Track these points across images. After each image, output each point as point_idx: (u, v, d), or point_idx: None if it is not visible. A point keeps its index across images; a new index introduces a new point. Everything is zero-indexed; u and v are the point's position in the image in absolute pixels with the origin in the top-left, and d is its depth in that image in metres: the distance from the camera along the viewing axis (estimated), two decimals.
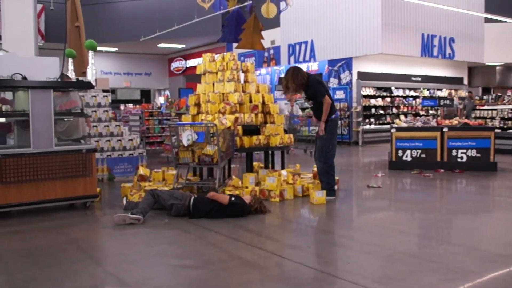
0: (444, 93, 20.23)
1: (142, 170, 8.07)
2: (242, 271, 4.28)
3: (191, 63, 28.22)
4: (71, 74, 9.77)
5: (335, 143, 7.48)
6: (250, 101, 8.62)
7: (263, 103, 8.78)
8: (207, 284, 3.95)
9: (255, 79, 9.13)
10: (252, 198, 6.40)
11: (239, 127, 8.17)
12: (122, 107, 20.51)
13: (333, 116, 7.36)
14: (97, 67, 10.41)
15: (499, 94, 17.28)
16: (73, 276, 4.16)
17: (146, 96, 30.43)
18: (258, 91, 8.90)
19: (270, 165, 8.89)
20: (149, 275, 4.23)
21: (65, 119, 7.42)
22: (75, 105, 7.65)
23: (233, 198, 6.17)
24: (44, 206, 6.57)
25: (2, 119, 6.55)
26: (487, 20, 19.74)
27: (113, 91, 27.39)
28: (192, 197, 6.22)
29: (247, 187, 7.45)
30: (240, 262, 4.51)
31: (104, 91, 9.74)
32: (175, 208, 6.12)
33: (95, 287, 3.94)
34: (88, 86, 7.21)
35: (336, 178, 8.32)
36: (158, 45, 25.47)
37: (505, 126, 14.25)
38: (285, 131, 12.10)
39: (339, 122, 7.13)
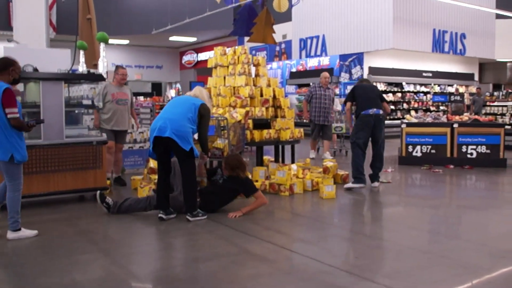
0: (453, 89, 20.12)
1: (152, 163, 8.09)
2: (252, 264, 4.30)
3: (202, 56, 28.22)
4: (82, 66, 9.80)
5: (360, 136, 7.80)
6: (261, 95, 8.62)
7: (274, 97, 8.78)
8: (217, 276, 3.97)
9: (266, 73, 9.13)
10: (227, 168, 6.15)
11: (250, 121, 8.18)
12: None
13: (363, 112, 7.82)
14: (108, 59, 10.40)
15: (510, 90, 17.16)
16: (83, 267, 4.20)
17: (157, 89, 30.48)
18: (269, 85, 8.90)
19: (280, 159, 8.90)
20: (159, 267, 4.27)
21: (76, 111, 7.51)
22: (126, 98, 7.95)
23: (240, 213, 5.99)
24: (54, 198, 6.63)
25: None
26: (498, 16, 19.59)
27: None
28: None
29: (257, 181, 7.46)
30: (249, 255, 4.54)
31: None
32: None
33: (105, 279, 3.97)
34: (99, 78, 7.24)
35: (346, 172, 8.37)
36: (170, 38, 25.50)
37: None
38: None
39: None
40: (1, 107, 4.75)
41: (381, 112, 7.92)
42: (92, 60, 10.46)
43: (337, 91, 17.16)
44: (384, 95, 17.95)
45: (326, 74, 11.68)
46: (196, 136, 6.10)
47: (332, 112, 11.57)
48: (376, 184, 8.02)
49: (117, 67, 8.20)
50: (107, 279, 3.94)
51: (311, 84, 19.42)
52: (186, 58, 29.61)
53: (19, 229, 5.02)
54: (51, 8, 19.64)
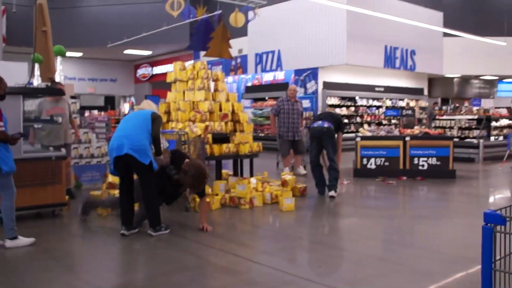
0: (404, 103, 20.78)
1: (111, 178, 8.05)
2: (217, 276, 4.39)
3: (157, 70, 28.13)
4: (38, 80, 9.68)
5: (310, 149, 8.65)
6: (220, 110, 8.74)
7: (233, 111, 8.91)
8: None
9: (225, 88, 9.27)
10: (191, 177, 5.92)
11: (209, 135, 8.27)
12: (86, 113, 20.27)
13: (310, 125, 8.72)
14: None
15: (457, 104, 17.85)
16: (48, 284, 4.16)
17: (110, 102, 30.12)
18: (228, 100, 9.02)
19: (239, 173, 9.01)
20: (125, 281, 4.29)
21: (38, 125, 7.43)
22: (62, 112, 7.82)
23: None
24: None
25: None
26: (446, 35, 20.43)
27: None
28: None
29: (217, 195, 7.55)
30: (214, 267, 4.62)
31: (71, 97, 9.68)
32: None
33: None
34: (59, 92, 7.20)
35: (304, 185, 8.56)
36: (125, 52, 25.32)
37: (463, 136, 14.78)
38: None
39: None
40: None
41: (325, 125, 8.28)
42: (47, 74, 10.33)
43: None
44: (338, 109, 18.53)
45: (293, 86, 11.37)
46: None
47: (301, 126, 11.12)
48: (332, 193, 8.25)
49: (53, 82, 8.26)
50: None
51: (264, 98, 19.70)
52: (140, 71, 29.44)
53: (16, 237, 5.18)
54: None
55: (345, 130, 18.77)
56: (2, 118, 5.09)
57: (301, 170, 11.08)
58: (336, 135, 8.45)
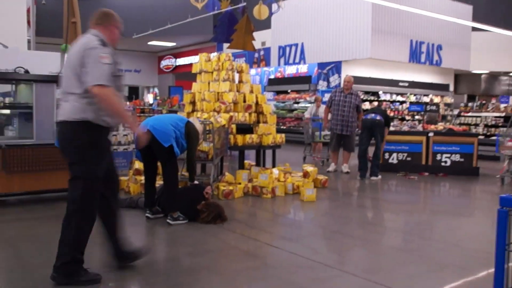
0: (429, 99, 20.65)
1: (137, 164, 8.27)
2: (241, 259, 4.55)
3: (180, 61, 28.42)
4: None
5: (360, 138, 9.95)
6: (244, 101, 8.88)
7: (257, 103, 9.05)
8: (210, 270, 4.19)
9: (249, 79, 9.41)
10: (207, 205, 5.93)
11: (233, 126, 8.43)
12: None
13: (363, 117, 9.97)
14: None
15: (484, 101, 17.69)
16: (84, 259, 4.37)
17: (134, 93, 30.54)
18: (252, 91, 9.17)
19: (261, 163, 9.16)
20: (155, 260, 4.48)
21: None
22: None
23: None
24: (45, 196, 6.77)
25: (7, 111, 6.75)
26: (474, 29, 20.21)
27: None
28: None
29: (240, 183, 7.71)
30: (237, 251, 4.78)
31: None
32: None
33: (105, 269, 4.15)
34: None
35: (325, 177, 8.67)
36: (149, 43, 25.64)
37: (488, 133, 14.67)
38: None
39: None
40: None
41: (377, 117, 9.62)
42: None
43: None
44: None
45: (348, 77, 10.58)
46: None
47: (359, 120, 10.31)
48: (374, 178, 9.66)
49: None
50: (107, 269, 4.12)
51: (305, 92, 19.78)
52: (164, 62, 29.77)
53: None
54: (30, 10, 19.63)
55: None
56: None
57: (345, 168, 10.54)
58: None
